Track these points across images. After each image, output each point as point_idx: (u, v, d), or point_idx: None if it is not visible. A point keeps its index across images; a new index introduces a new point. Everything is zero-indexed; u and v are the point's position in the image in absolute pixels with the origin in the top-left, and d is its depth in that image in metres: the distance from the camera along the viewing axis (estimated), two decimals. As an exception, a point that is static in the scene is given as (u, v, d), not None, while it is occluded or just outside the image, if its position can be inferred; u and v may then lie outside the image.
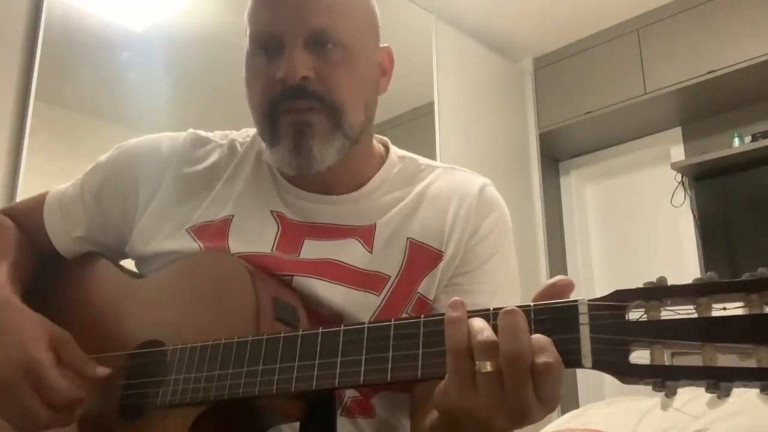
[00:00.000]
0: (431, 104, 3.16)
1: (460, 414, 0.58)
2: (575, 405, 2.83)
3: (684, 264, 3.29)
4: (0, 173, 2.02)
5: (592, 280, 3.76)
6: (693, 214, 3.34)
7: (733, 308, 0.51)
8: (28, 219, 1.00)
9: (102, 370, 0.80)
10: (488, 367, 0.56)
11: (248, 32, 0.88)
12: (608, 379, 0.56)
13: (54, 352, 0.79)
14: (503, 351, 0.56)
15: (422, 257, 0.87)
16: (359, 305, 0.83)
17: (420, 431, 0.77)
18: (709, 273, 0.52)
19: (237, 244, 0.86)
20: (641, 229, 3.61)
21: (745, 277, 0.51)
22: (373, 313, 0.84)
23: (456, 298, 0.61)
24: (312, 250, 0.87)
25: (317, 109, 0.83)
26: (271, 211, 0.90)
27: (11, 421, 0.78)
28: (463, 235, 0.89)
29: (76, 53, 2.35)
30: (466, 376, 0.57)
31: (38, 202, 1.01)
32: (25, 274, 0.93)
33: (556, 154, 3.91)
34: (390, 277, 0.86)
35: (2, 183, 2.02)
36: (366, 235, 0.88)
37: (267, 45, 0.85)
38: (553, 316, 0.58)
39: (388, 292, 0.85)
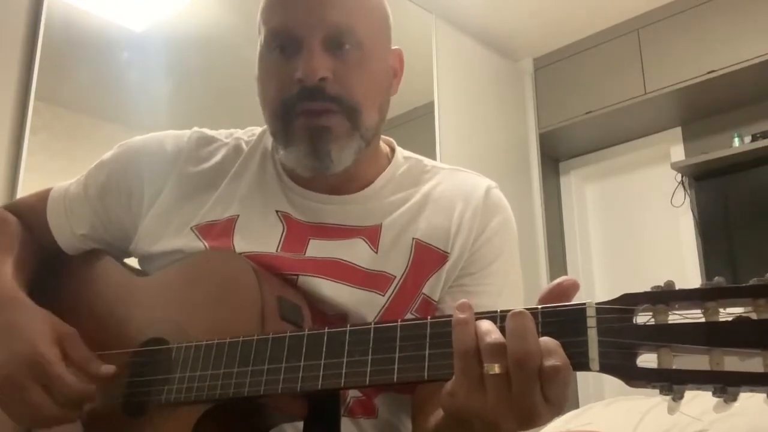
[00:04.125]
0: (431, 104, 3.16)
1: (468, 415, 0.58)
2: (575, 405, 2.82)
3: (684, 264, 3.29)
4: (0, 173, 2.02)
5: (592, 280, 3.74)
6: (693, 214, 3.34)
7: (741, 313, 0.51)
8: (31, 216, 1.00)
9: (107, 368, 0.79)
10: (496, 369, 0.56)
11: (263, 29, 0.87)
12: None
13: (60, 348, 0.78)
14: (511, 353, 0.55)
15: (428, 258, 0.87)
16: (364, 305, 0.83)
17: (424, 431, 0.77)
18: (717, 278, 0.52)
19: (242, 244, 0.85)
20: (641, 229, 3.61)
21: (753, 282, 0.51)
22: (378, 313, 0.84)
23: (463, 300, 0.61)
24: (317, 249, 0.86)
25: (334, 110, 0.83)
26: (277, 211, 0.90)
27: (18, 417, 0.77)
28: (468, 236, 0.88)
29: (76, 53, 2.35)
30: (473, 378, 0.57)
31: (41, 198, 1.00)
32: (28, 271, 0.93)
33: (556, 154, 3.91)
34: (395, 277, 0.86)
35: (2, 182, 2.02)
36: (372, 235, 0.88)
37: (283, 43, 0.84)
38: (561, 319, 0.57)
39: (393, 292, 0.85)
